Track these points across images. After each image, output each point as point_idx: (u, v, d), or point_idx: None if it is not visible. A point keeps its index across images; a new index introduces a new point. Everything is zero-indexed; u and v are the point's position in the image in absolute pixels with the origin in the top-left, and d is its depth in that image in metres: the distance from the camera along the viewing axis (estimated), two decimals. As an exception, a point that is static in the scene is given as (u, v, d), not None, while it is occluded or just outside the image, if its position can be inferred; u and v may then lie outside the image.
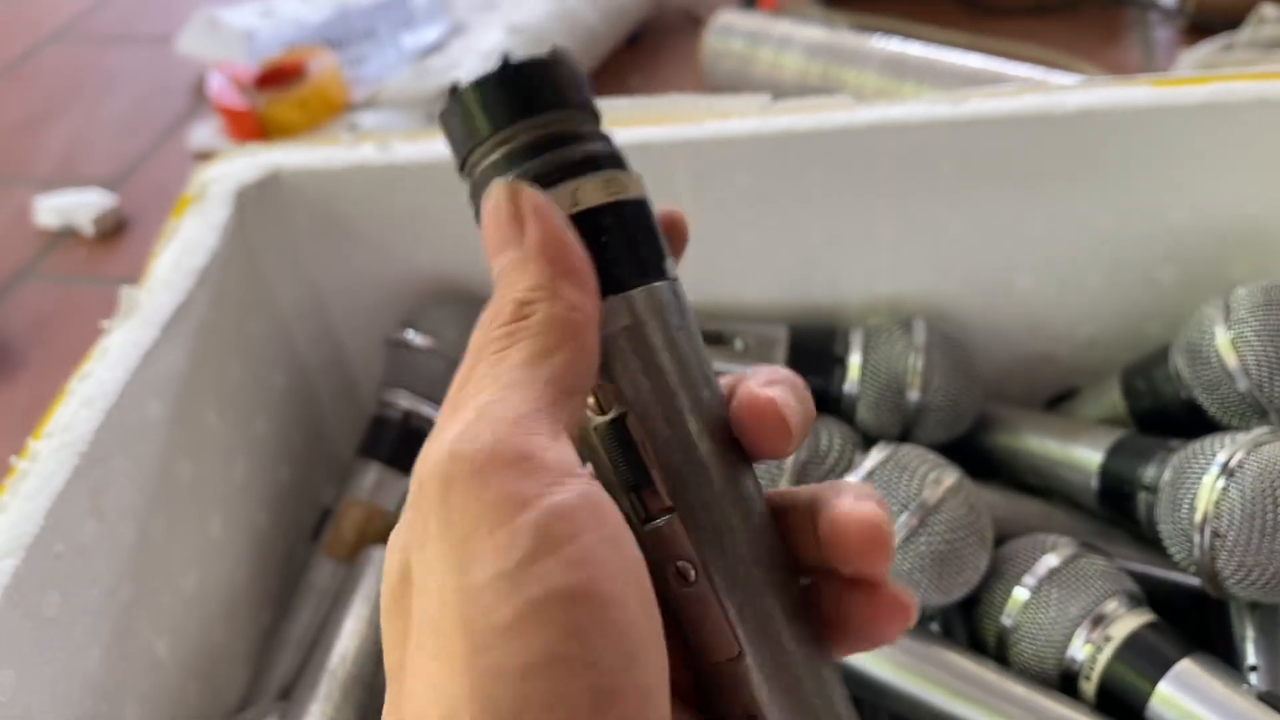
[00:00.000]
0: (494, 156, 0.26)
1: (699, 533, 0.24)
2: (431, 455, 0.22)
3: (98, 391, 0.42)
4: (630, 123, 0.51)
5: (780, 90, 0.93)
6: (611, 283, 0.25)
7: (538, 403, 0.23)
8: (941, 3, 1.05)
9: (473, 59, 0.99)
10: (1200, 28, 0.97)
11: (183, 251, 0.48)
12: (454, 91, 0.26)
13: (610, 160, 0.26)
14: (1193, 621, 0.48)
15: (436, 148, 0.51)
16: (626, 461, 0.24)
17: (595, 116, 0.27)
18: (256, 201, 0.52)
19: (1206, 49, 0.91)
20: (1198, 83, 0.49)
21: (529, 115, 0.26)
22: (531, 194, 0.25)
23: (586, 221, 0.25)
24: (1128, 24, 1.04)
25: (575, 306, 0.24)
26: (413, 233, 0.54)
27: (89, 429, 0.41)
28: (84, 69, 1.22)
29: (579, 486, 0.22)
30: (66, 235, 0.96)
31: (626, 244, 0.26)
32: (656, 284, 0.26)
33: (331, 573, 0.52)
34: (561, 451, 0.22)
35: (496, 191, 0.25)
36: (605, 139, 0.27)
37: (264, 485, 0.52)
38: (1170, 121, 0.49)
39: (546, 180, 0.25)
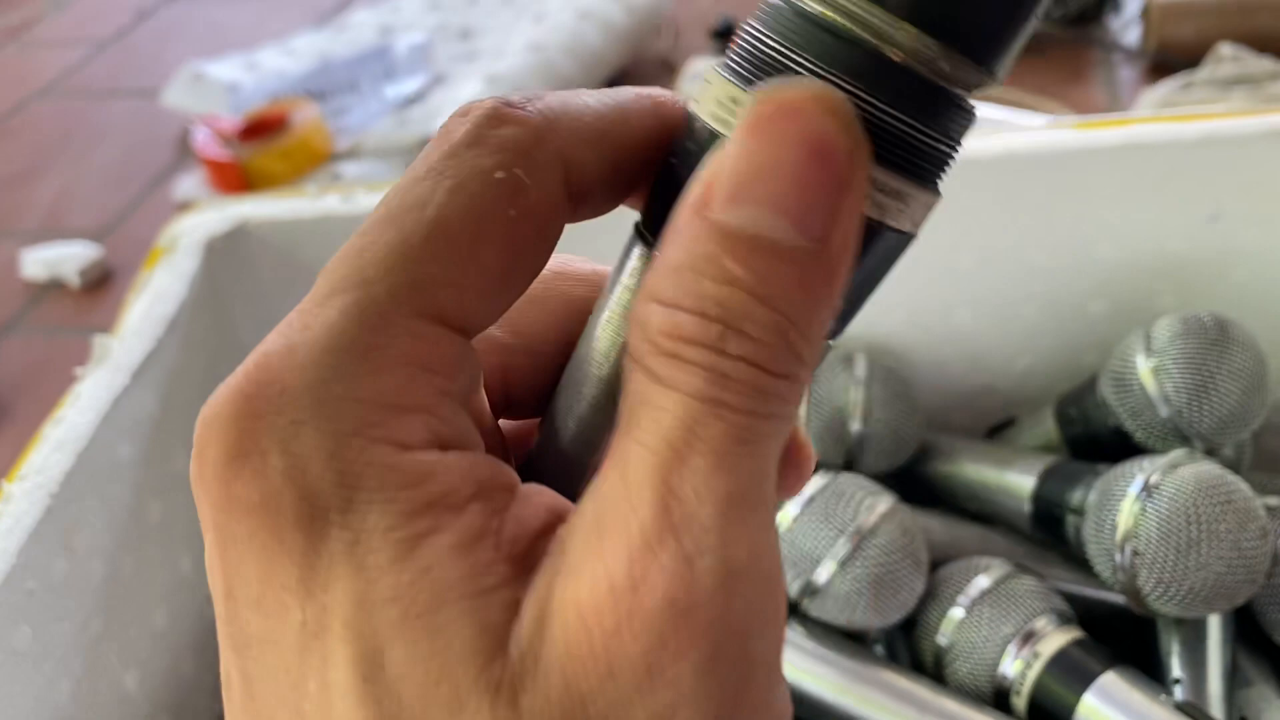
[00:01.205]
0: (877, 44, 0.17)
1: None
2: None
3: (69, 435, 0.44)
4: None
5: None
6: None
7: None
8: (910, 46, 1.09)
9: (452, 109, 1.02)
10: (1162, 67, 1.00)
11: (153, 301, 0.50)
12: None
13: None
14: (1124, 638, 0.50)
15: (396, 198, 0.54)
16: None
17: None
18: (225, 252, 0.54)
19: (1166, 88, 0.94)
20: (1115, 125, 0.52)
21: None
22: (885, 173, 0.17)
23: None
24: (1092, 64, 1.07)
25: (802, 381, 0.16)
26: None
27: (60, 471, 0.43)
28: (71, 123, 1.25)
29: None
30: (53, 287, 0.98)
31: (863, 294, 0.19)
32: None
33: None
34: None
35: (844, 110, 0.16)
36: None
37: (234, 524, 0.54)
38: (1090, 162, 0.52)
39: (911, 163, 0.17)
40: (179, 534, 0.50)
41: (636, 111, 0.18)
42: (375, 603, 0.15)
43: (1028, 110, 0.94)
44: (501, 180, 0.17)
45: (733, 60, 0.18)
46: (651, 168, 0.19)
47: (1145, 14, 1.05)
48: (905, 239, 0.18)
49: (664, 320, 0.15)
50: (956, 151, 0.19)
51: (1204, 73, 0.96)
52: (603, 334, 0.19)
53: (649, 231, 0.18)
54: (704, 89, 0.18)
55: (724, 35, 1.16)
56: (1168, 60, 1.00)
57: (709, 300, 0.15)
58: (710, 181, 0.16)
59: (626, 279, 0.19)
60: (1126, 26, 1.09)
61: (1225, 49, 0.96)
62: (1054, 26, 1.08)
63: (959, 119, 0.18)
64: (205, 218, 0.55)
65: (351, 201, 0.54)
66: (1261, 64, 0.94)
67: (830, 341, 0.19)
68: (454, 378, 0.17)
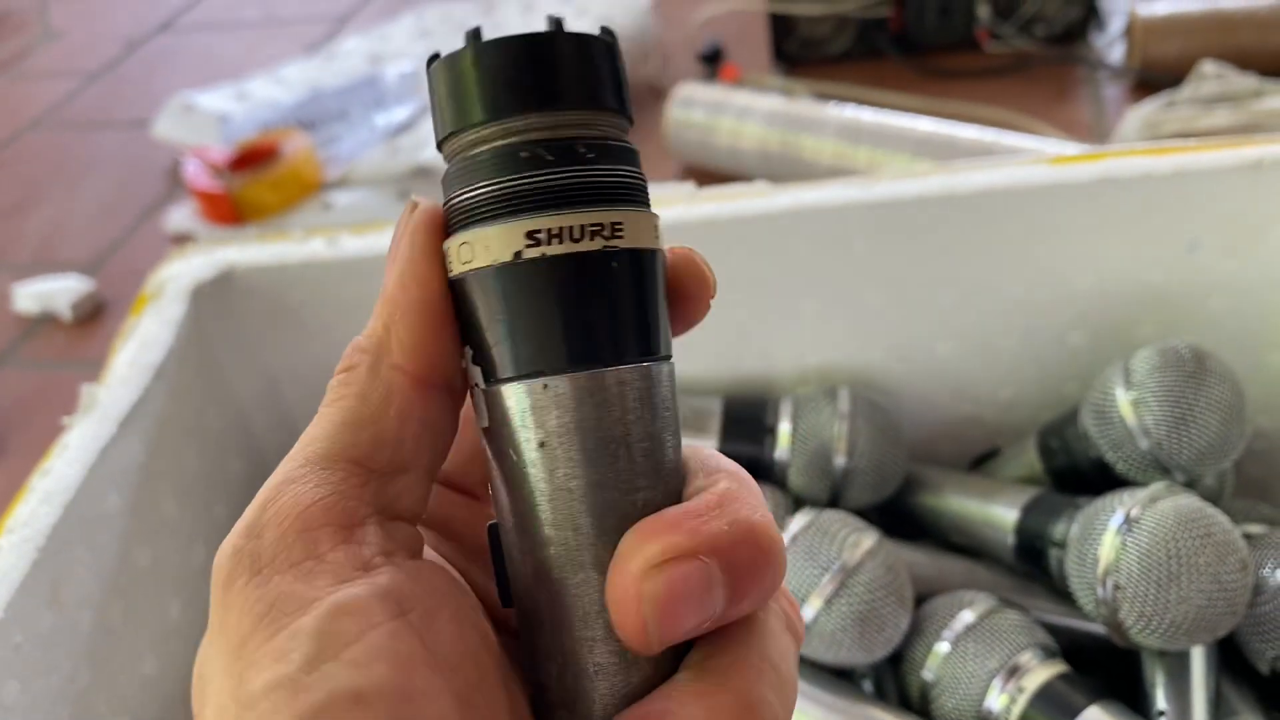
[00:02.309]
0: (475, 153, 0.22)
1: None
2: (222, 546, 0.20)
3: (57, 487, 0.45)
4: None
5: (741, 158, 0.97)
6: (493, 365, 0.21)
7: (339, 486, 0.21)
8: (897, 68, 1.09)
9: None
10: (1147, 84, 1.01)
11: (140, 348, 0.51)
12: (472, 42, 0.21)
13: (588, 194, 0.21)
14: (1110, 669, 0.50)
15: (381, 241, 0.54)
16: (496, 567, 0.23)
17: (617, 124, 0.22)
18: (211, 297, 0.55)
19: (1150, 106, 0.95)
20: (1089, 159, 0.52)
21: (541, 109, 0.21)
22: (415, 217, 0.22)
23: (501, 277, 0.21)
24: (1077, 82, 1.08)
25: (399, 368, 0.22)
26: (362, 321, 0.56)
27: (48, 524, 0.43)
28: (61, 155, 1.25)
29: (378, 579, 0.20)
30: (45, 321, 0.98)
31: (543, 315, 0.21)
32: (551, 378, 0.21)
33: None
34: (353, 548, 0.20)
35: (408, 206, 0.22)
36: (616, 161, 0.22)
37: (224, 567, 0.55)
38: (1066, 197, 0.52)
39: (484, 212, 0.21)
40: (168, 579, 0.50)
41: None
42: None
43: (1012, 130, 0.95)
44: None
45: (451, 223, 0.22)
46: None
47: (1129, 32, 1.05)
48: (638, 254, 0.21)
49: None
50: (629, 176, 0.22)
51: (1187, 90, 0.96)
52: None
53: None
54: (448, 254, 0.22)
55: (711, 60, 1.16)
56: (1153, 78, 1.01)
57: None
58: None
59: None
60: (1111, 45, 1.10)
61: (1208, 67, 0.97)
62: (1039, 45, 1.09)
63: (603, 153, 0.21)
64: (191, 264, 0.55)
65: (336, 245, 0.55)
66: (1244, 81, 0.95)
67: (670, 357, 0.22)
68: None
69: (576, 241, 0.21)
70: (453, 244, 0.22)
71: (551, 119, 0.21)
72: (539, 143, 0.21)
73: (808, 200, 0.53)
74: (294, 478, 0.20)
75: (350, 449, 0.21)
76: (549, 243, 0.21)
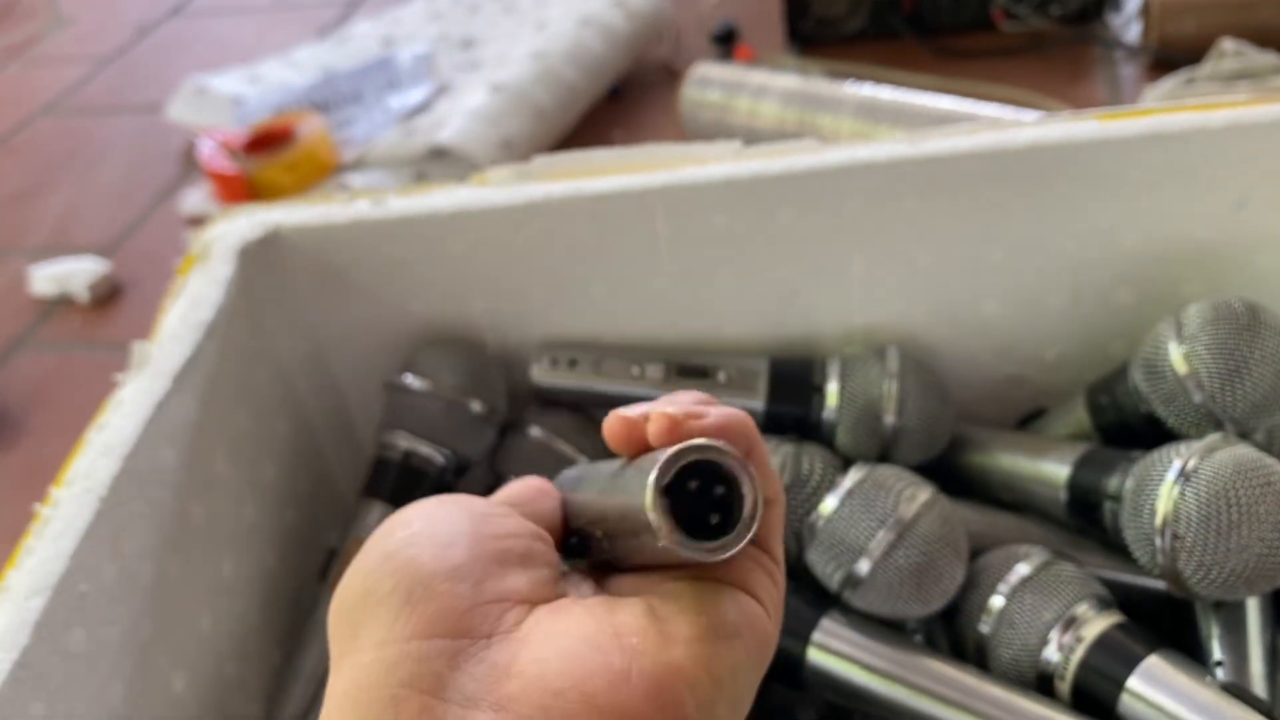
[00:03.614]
0: None
1: None
2: None
3: (115, 440, 0.44)
4: (610, 171, 0.54)
5: (758, 138, 0.97)
6: None
7: None
8: (912, 48, 1.09)
9: (458, 118, 1.02)
10: (1163, 63, 1.01)
11: (190, 306, 0.51)
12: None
13: None
14: (1163, 623, 0.50)
15: (427, 201, 0.54)
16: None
17: None
18: (258, 258, 0.54)
19: (1169, 84, 0.95)
20: (1138, 115, 0.52)
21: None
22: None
23: None
24: (1093, 62, 1.08)
25: None
26: (407, 282, 0.56)
27: (108, 475, 0.43)
28: (76, 140, 1.25)
29: None
30: (62, 303, 0.98)
31: None
32: None
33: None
34: None
35: None
36: None
37: (272, 528, 0.55)
38: (1115, 152, 0.52)
39: None
40: (221, 537, 0.50)
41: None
42: None
43: (1028, 109, 0.95)
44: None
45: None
46: None
47: (1146, 10, 1.05)
48: None
49: None
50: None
51: (1206, 68, 0.96)
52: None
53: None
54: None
55: (725, 40, 1.16)
56: (1169, 56, 1.01)
57: None
58: None
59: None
60: (1127, 23, 1.10)
61: (1227, 44, 0.97)
62: (1054, 25, 1.09)
63: None
64: (237, 224, 0.55)
65: (383, 206, 0.54)
66: (1264, 58, 0.95)
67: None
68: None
69: None
70: None
71: None
72: None
73: (857, 157, 0.53)
74: None
75: None
76: None
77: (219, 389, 0.51)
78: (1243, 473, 0.45)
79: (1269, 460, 0.46)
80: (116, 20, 1.49)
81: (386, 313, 0.57)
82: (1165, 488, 0.46)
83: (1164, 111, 0.52)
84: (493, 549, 0.28)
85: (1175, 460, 0.47)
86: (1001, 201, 0.54)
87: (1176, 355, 0.50)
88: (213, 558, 0.49)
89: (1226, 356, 0.49)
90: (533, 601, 0.27)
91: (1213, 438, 0.47)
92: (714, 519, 0.27)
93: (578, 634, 0.26)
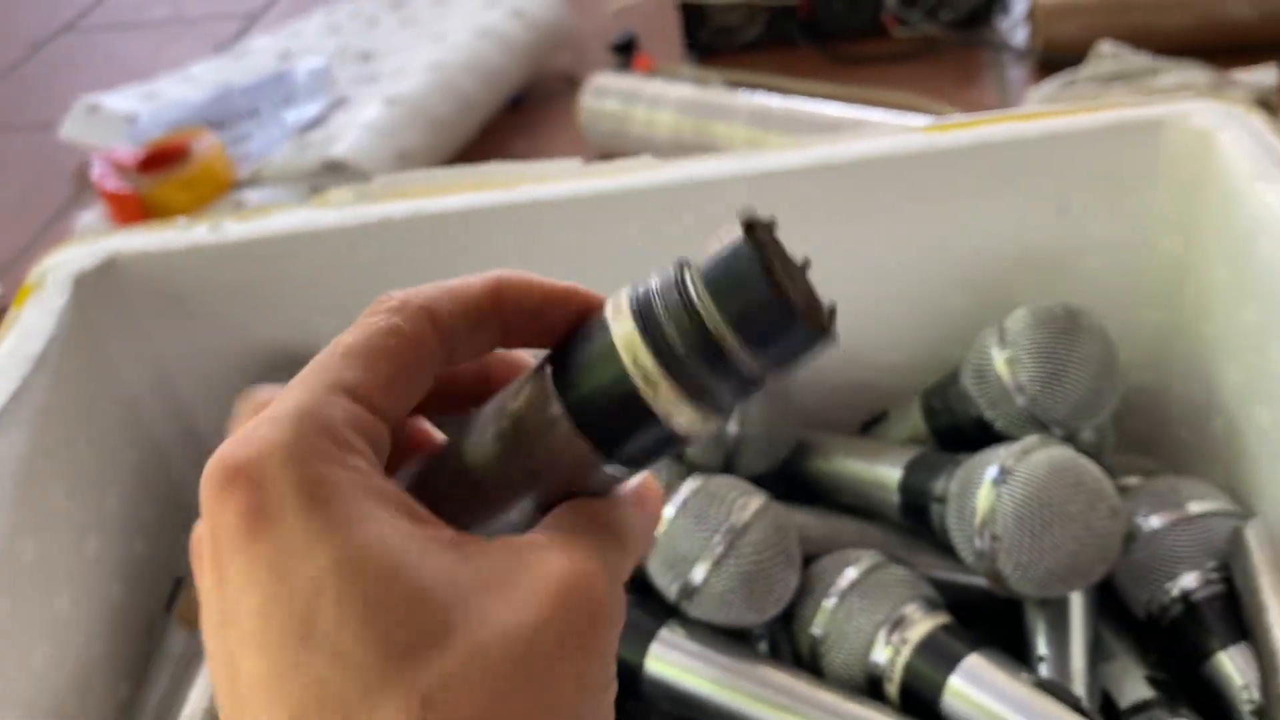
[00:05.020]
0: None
1: None
2: None
3: (-66, 479, 0.44)
4: (451, 191, 0.55)
5: (655, 147, 0.98)
6: None
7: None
8: (808, 54, 1.11)
9: (353, 132, 1.02)
10: (1049, 65, 1.03)
11: (20, 339, 0.50)
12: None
13: None
14: (998, 621, 0.51)
15: (265, 225, 0.54)
16: None
17: None
18: (95, 286, 0.54)
19: (1051, 86, 0.97)
20: (964, 127, 0.54)
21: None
22: None
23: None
24: (983, 65, 1.10)
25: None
26: (251, 305, 0.56)
27: (-78, 516, 0.43)
28: (-33, 161, 1.23)
29: None
30: (-51, 328, 0.96)
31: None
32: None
33: (185, 640, 0.53)
34: None
35: None
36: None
37: (117, 559, 0.54)
38: (943, 163, 0.54)
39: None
40: (56, 573, 0.50)
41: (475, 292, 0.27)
42: None
43: (920, 113, 0.97)
44: (383, 324, 0.25)
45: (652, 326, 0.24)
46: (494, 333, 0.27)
47: (1032, 14, 1.08)
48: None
49: None
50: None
51: (1086, 70, 0.99)
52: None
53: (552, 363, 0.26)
54: (618, 321, 0.25)
55: (624, 50, 1.17)
56: (1054, 59, 1.03)
57: None
58: None
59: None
60: (1014, 27, 1.12)
61: (1105, 47, 0.99)
62: (945, 30, 1.11)
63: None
64: (74, 253, 0.55)
65: (220, 231, 0.54)
66: (1139, 60, 0.98)
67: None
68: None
69: None
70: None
71: None
72: None
73: (690, 174, 0.54)
74: None
75: None
76: None
77: (54, 421, 0.51)
78: (1056, 473, 0.47)
79: (1082, 461, 0.47)
80: (9, 36, 1.46)
81: (233, 337, 0.57)
82: (984, 489, 0.48)
83: (985, 123, 0.53)
84: None
85: (994, 462, 0.48)
86: (833, 214, 0.55)
87: (1000, 360, 0.52)
88: (46, 594, 0.49)
89: (1046, 360, 0.51)
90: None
91: (1030, 439, 0.48)
92: None
93: None
